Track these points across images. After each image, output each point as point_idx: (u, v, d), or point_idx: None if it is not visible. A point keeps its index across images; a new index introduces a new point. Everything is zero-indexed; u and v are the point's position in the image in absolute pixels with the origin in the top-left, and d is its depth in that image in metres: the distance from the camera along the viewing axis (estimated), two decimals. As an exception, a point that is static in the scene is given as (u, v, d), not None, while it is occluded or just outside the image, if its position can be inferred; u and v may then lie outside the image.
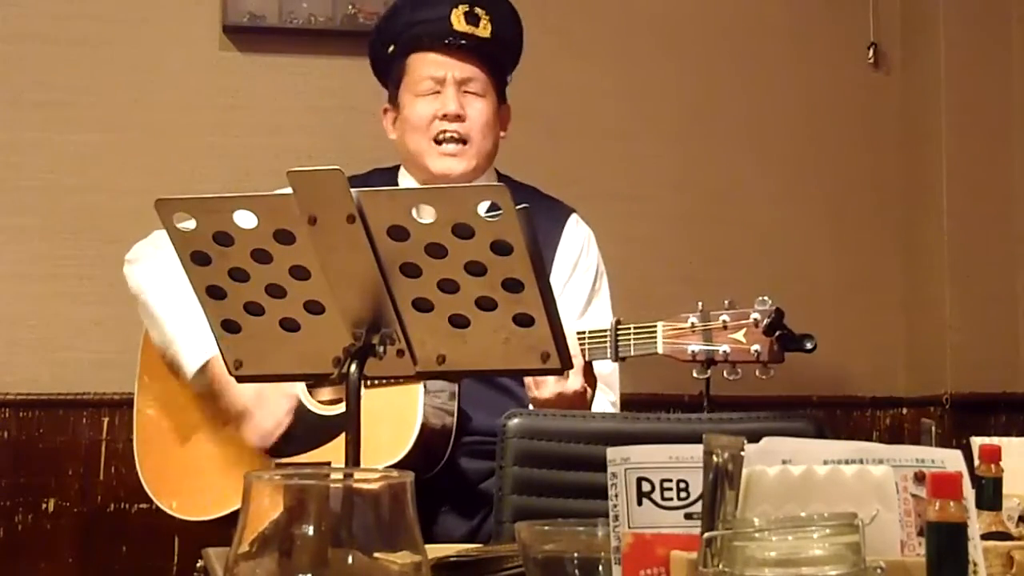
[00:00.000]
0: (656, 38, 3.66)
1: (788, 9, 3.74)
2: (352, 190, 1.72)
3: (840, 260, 3.71)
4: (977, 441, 1.49)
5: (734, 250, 3.64)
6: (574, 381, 2.30)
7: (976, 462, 1.40)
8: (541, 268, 1.73)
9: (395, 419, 2.39)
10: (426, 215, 1.73)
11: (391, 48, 2.69)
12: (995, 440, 1.47)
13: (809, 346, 2.28)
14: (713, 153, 3.66)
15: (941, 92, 3.62)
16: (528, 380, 2.36)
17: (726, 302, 2.32)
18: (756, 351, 2.28)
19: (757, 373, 2.30)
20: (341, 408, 2.38)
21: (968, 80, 3.63)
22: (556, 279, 2.62)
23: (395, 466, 2.34)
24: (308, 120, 3.46)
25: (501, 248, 1.71)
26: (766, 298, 2.31)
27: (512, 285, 1.73)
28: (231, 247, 1.78)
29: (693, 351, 2.31)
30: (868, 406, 3.67)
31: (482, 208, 1.70)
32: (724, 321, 2.30)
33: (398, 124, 2.70)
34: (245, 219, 1.77)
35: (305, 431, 2.49)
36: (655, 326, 2.33)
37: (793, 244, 3.68)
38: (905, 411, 3.67)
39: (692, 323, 2.32)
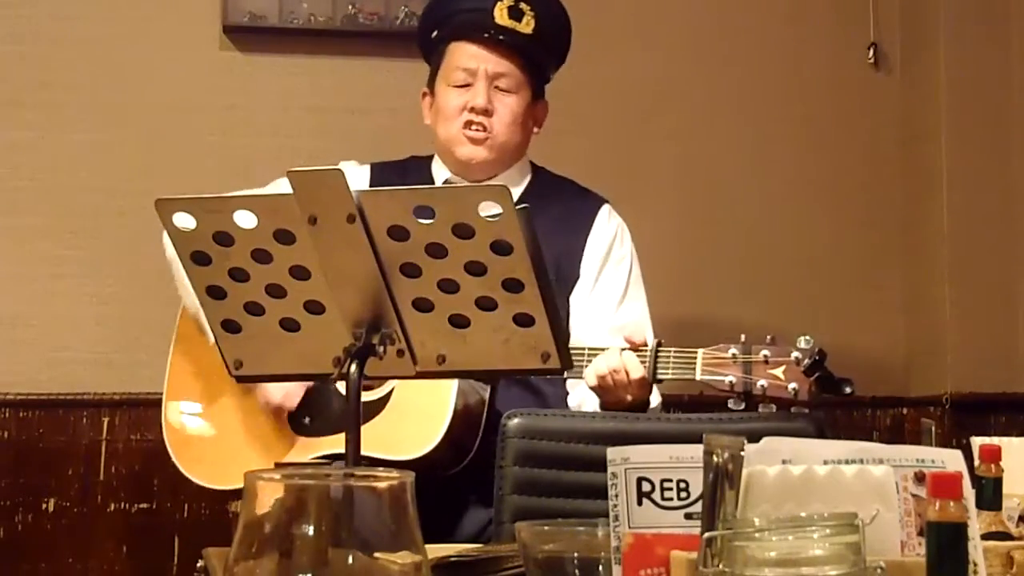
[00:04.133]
0: (655, 39, 3.66)
1: (788, 9, 3.73)
2: (352, 190, 1.72)
3: (840, 260, 3.70)
4: (977, 441, 1.50)
5: (732, 250, 3.64)
6: (644, 393, 2.32)
7: (976, 462, 1.41)
8: (541, 268, 1.73)
9: (426, 412, 2.41)
10: (426, 215, 1.73)
11: (435, 32, 2.72)
12: (995, 440, 1.47)
13: (848, 390, 2.24)
14: (711, 153, 3.66)
15: (941, 92, 3.62)
16: (606, 381, 2.33)
17: (768, 337, 2.30)
18: (793, 389, 2.25)
19: (792, 410, 2.28)
20: (373, 394, 2.44)
21: (968, 80, 3.62)
22: (587, 269, 2.64)
23: (423, 459, 2.36)
24: (308, 120, 3.46)
25: (501, 248, 1.71)
26: (809, 337, 2.28)
27: (512, 285, 1.73)
28: (231, 247, 1.78)
29: (731, 382, 2.28)
30: (868, 406, 3.66)
31: (483, 209, 1.70)
32: (765, 356, 2.27)
33: (432, 110, 2.73)
34: (245, 219, 1.77)
35: (335, 413, 2.51)
36: (695, 353, 2.32)
37: (793, 244, 3.68)
38: (905, 411, 3.67)
39: (733, 354, 2.29)
